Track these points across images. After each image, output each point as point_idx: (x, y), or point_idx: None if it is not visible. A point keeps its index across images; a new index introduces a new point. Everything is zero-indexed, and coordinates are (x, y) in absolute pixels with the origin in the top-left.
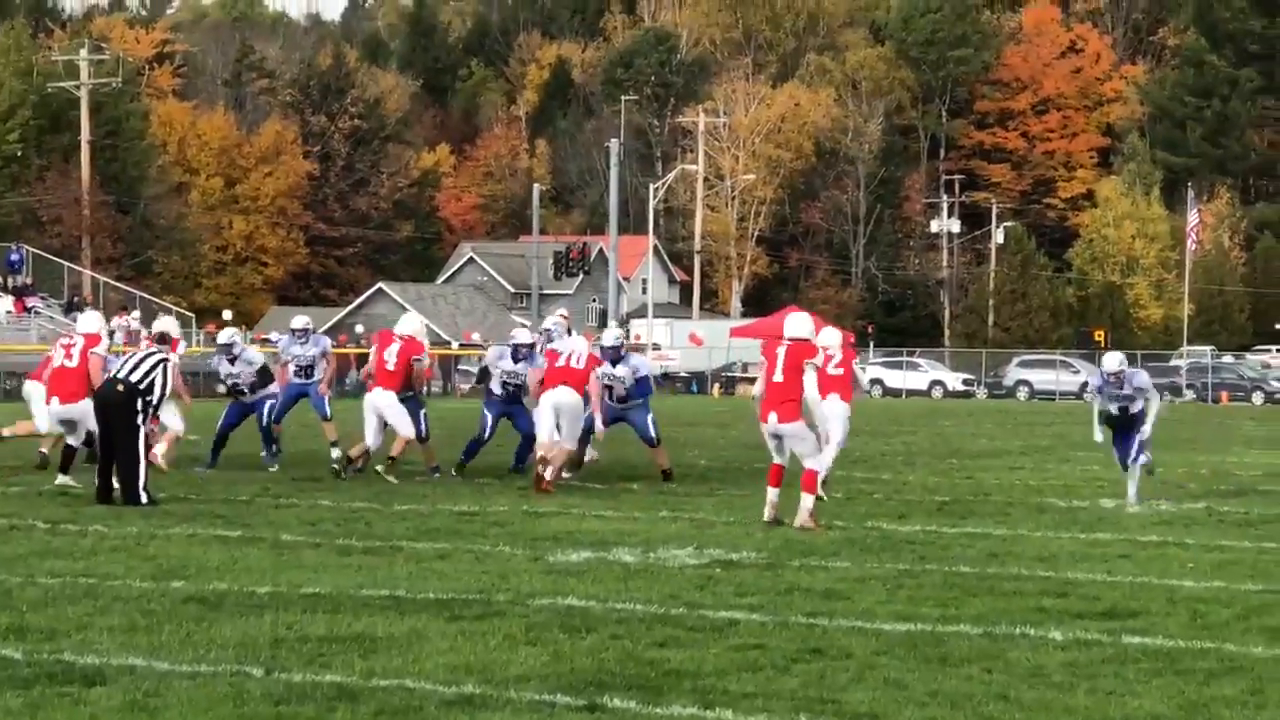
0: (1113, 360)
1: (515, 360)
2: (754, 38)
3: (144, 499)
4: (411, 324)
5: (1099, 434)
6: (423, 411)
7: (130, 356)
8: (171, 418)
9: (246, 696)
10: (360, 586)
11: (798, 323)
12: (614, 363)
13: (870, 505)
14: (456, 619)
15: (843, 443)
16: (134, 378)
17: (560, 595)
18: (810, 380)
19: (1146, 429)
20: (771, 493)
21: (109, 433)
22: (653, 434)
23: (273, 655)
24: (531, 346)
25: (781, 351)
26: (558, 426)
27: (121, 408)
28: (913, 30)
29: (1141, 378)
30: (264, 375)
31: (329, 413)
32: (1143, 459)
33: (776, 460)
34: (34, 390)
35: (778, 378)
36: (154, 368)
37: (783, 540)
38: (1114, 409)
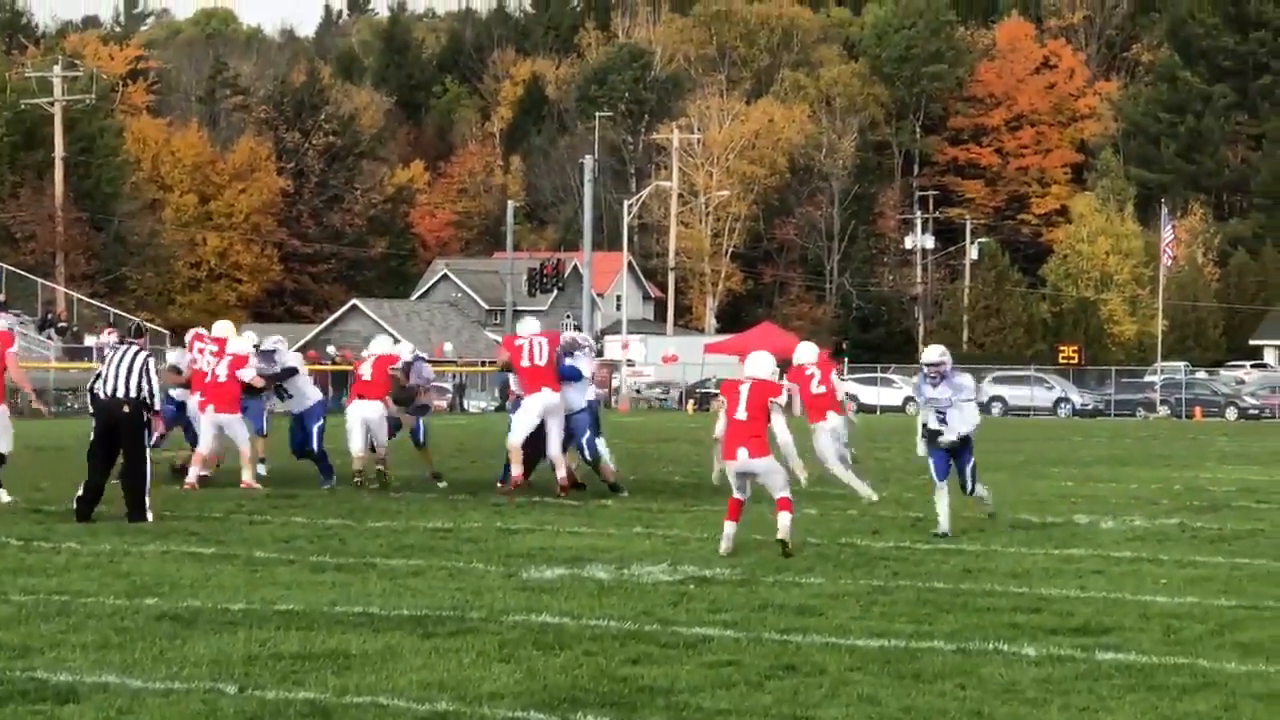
0: (933, 351)
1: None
2: (728, 54)
3: (149, 516)
4: (381, 345)
5: (921, 446)
6: (423, 420)
7: (114, 364)
8: (219, 440)
9: (220, 714)
10: (334, 603)
11: (758, 362)
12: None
13: (844, 521)
14: (430, 636)
15: (843, 448)
16: (131, 391)
17: (534, 612)
18: (780, 423)
19: (967, 428)
20: (729, 527)
21: (109, 451)
22: (594, 452)
23: (246, 672)
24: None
25: (744, 390)
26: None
27: (130, 424)
28: (887, 46)
29: (964, 378)
30: (285, 375)
31: (265, 429)
32: (980, 491)
33: (737, 495)
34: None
35: (740, 415)
36: (142, 370)
37: (757, 557)
38: (933, 419)
